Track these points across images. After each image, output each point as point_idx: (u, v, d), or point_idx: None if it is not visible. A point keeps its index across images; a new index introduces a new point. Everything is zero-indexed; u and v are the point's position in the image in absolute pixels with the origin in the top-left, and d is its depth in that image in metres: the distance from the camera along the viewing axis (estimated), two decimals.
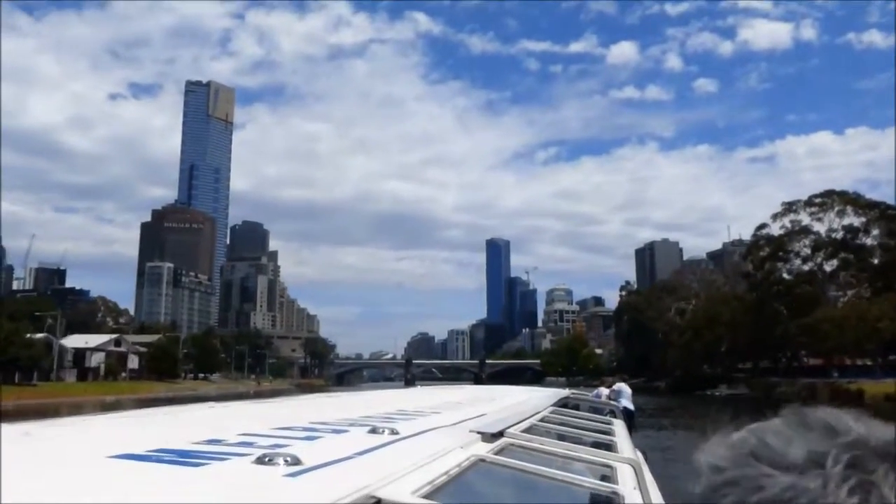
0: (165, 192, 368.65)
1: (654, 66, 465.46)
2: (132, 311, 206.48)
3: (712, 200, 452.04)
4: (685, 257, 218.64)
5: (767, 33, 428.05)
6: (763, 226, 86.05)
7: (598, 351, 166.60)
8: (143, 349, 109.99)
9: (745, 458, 0.66)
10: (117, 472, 1.62)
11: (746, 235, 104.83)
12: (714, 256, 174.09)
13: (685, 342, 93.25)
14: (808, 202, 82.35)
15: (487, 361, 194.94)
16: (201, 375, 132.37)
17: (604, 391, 17.32)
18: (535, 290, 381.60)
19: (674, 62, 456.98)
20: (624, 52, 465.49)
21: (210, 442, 2.14)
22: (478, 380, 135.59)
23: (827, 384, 63.89)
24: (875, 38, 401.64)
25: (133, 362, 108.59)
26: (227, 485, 1.56)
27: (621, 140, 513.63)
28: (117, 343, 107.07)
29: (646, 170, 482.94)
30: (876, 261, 76.36)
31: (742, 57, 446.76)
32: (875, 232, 78.41)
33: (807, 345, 76.34)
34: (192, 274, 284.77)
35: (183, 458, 1.83)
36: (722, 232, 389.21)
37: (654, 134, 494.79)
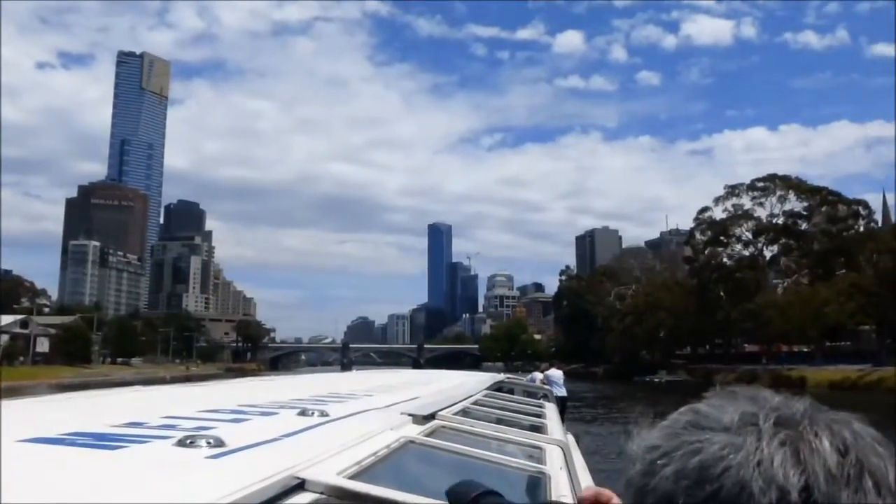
0: (97, 168, 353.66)
1: (600, 57, 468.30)
2: (56, 292, 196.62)
3: (653, 191, 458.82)
4: (624, 245, 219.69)
5: (710, 29, 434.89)
6: (705, 209, 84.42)
7: (538, 336, 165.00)
8: (53, 331, 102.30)
9: (680, 430, 0.69)
10: (25, 455, 1.59)
11: (684, 226, 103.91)
12: (652, 245, 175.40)
13: (625, 327, 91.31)
14: (751, 186, 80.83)
15: (426, 346, 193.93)
16: (120, 360, 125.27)
17: (538, 376, 17.41)
18: (476, 276, 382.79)
19: (619, 53, 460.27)
20: (570, 41, 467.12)
21: (130, 425, 2.11)
22: (416, 364, 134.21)
23: (767, 371, 62.17)
24: (810, 38, 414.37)
25: (44, 346, 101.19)
26: (144, 466, 1.55)
27: (566, 128, 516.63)
28: (24, 325, 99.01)
29: (589, 159, 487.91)
30: (816, 247, 75.07)
31: (685, 51, 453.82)
32: (816, 219, 77.30)
33: (749, 331, 74.90)
34: (120, 253, 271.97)
35: (99, 440, 1.81)
36: (660, 222, 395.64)
37: (598, 124, 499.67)
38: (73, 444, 1.72)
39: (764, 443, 0.64)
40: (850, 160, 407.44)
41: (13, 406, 2.84)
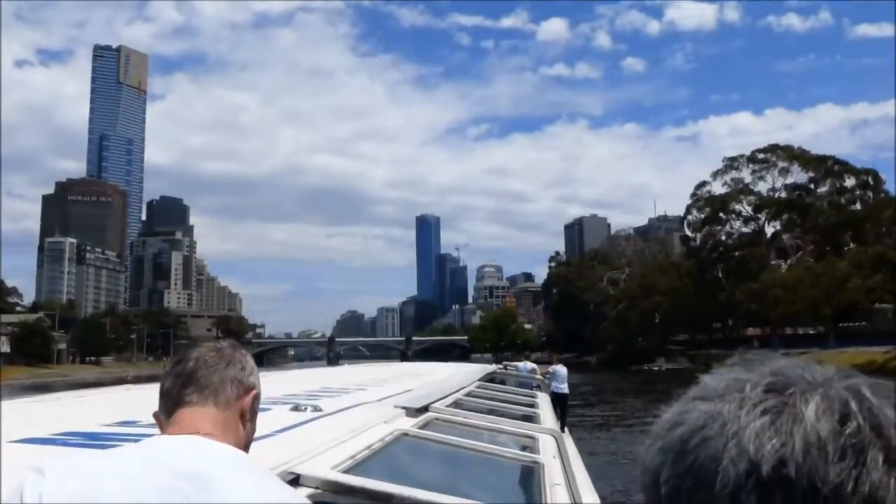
0: (78, 166, 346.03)
1: (584, 44, 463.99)
2: (33, 290, 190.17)
3: (639, 178, 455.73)
4: (613, 233, 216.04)
5: (693, 14, 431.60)
6: (703, 184, 78.78)
7: (528, 326, 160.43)
8: (14, 330, 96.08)
9: (682, 404, 0.63)
10: (16, 455, 1.58)
11: (672, 212, 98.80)
12: (641, 232, 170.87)
13: (619, 313, 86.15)
14: (751, 158, 75.35)
15: (414, 338, 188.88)
16: (91, 359, 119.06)
17: (528, 365, 17.15)
18: (465, 267, 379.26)
19: (603, 40, 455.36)
20: (554, 28, 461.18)
21: (122, 424, 2.15)
22: (404, 357, 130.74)
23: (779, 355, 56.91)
24: (793, 20, 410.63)
25: (6, 346, 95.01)
26: None
27: (552, 117, 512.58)
28: None
29: (576, 147, 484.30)
30: (823, 221, 69.52)
31: (669, 37, 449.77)
32: (822, 190, 72.00)
33: (751, 313, 69.44)
34: (98, 250, 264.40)
35: (91, 440, 1.79)
36: (648, 209, 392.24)
37: (584, 112, 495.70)
38: (65, 444, 1.72)
39: (744, 411, 0.57)
40: (834, 143, 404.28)
41: (5, 407, 2.82)
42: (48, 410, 2.88)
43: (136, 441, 1.57)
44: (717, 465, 0.56)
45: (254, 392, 1.34)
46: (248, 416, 1.33)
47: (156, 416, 1.31)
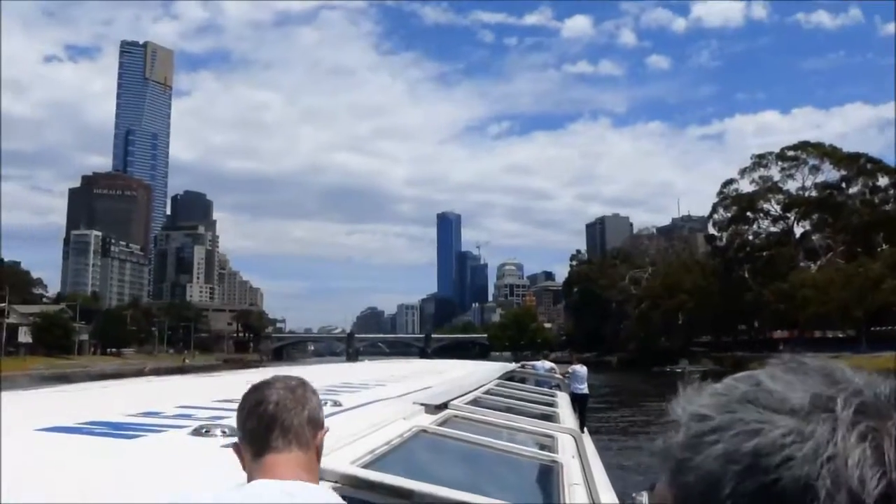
0: (103, 161, 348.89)
1: (608, 41, 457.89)
2: (59, 283, 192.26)
3: (662, 177, 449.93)
4: (635, 232, 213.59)
5: (720, 11, 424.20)
6: (730, 181, 76.78)
7: (548, 325, 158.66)
8: (36, 320, 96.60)
9: (736, 404, 0.57)
10: (45, 444, 1.68)
11: (696, 212, 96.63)
12: (664, 231, 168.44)
13: (641, 313, 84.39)
14: (781, 155, 73.24)
15: (433, 336, 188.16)
16: (113, 350, 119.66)
17: (546, 365, 16.79)
18: (485, 265, 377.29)
19: (627, 37, 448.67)
20: (578, 25, 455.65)
21: (146, 414, 2.19)
22: (423, 354, 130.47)
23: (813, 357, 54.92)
24: (823, 18, 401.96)
25: (28, 336, 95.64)
26: (162, 454, 1.65)
27: (574, 115, 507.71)
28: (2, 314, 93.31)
29: (597, 145, 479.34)
30: (856, 220, 67.24)
31: (694, 34, 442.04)
32: (854, 189, 69.74)
33: (781, 314, 67.40)
34: (122, 243, 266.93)
35: (116, 430, 1.87)
36: (671, 208, 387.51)
37: (607, 110, 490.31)
38: (90, 433, 1.79)
39: (839, 435, 0.52)
40: (863, 142, 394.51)
41: (29, 396, 2.94)
42: (73, 400, 2.91)
43: (159, 431, 1.80)
44: (810, 493, 0.51)
45: (325, 430, 1.50)
46: (320, 452, 1.49)
47: (236, 448, 1.46)
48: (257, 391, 1.48)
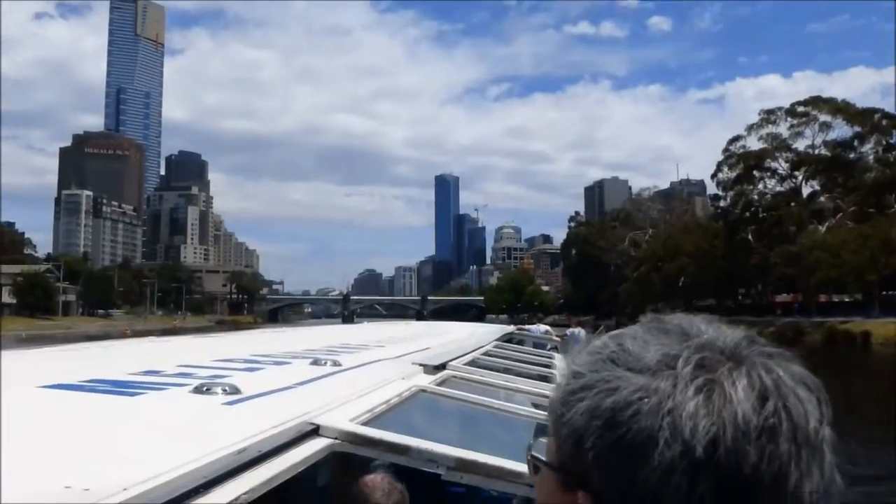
0: (97, 120, 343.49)
1: (610, 2, 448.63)
2: (50, 243, 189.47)
3: (662, 140, 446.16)
4: (635, 193, 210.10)
5: None
6: (736, 138, 73.25)
7: (545, 288, 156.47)
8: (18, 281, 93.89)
9: (602, 363, 0.63)
10: (49, 400, 1.73)
11: (694, 175, 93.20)
12: (663, 195, 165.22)
13: (641, 276, 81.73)
14: (791, 111, 69.67)
15: (430, 298, 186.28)
16: (101, 312, 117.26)
17: (541, 328, 17.73)
18: (483, 228, 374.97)
19: None
20: None
21: (147, 373, 2.25)
22: (420, 316, 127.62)
23: (813, 324, 52.39)
24: None
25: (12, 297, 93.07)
26: (164, 411, 1.68)
27: (574, 77, 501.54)
28: None
29: (597, 108, 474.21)
30: (868, 179, 64.08)
31: None
32: (866, 147, 66.41)
33: (787, 277, 64.64)
34: (115, 203, 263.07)
35: (118, 387, 1.92)
36: (670, 172, 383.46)
37: (607, 72, 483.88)
38: (93, 390, 1.82)
39: (679, 389, 0.58)
40: (864, 106, 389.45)
41: (32, 355, 3.01)
42: (75, 359, 2.95)
43: (161, 389, 1.91)
44: (652, 442, 0.56)
45: None
46: None
47: None
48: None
